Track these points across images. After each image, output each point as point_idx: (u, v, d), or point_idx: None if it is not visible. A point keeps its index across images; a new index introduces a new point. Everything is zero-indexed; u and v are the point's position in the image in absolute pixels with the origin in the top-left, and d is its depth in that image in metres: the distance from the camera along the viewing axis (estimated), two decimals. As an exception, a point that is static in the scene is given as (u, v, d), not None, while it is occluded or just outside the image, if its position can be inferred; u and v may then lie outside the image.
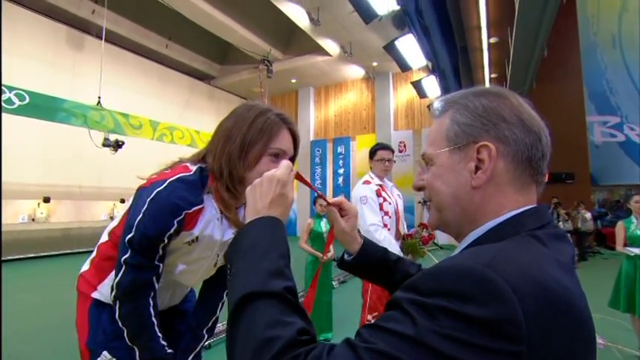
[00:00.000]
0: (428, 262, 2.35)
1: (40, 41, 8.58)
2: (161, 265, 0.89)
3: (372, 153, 2.41)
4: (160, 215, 0.83)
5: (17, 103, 5.47)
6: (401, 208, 2.44)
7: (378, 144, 2.47)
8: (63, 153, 8.56)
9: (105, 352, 0.92)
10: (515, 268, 0.39)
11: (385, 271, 0.80)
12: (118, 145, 6.91)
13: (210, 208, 0.91)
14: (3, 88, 5.36)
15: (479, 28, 8.18)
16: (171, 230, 0.85)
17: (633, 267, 2.98)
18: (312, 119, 13.79)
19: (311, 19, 8.86)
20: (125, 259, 0.84)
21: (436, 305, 0.38)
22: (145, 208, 0.84)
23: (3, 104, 5.30)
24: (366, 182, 2.37)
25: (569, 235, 7.60)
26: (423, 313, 0.38)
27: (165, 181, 0.86)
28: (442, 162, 0.54)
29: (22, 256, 7.54)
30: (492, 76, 10.54)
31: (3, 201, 7.54)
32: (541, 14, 5.58)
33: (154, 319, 0.89)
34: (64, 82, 8.74)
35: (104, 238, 1.00)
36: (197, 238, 0.91)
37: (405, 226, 2.50)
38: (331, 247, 3.58)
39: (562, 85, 10.03)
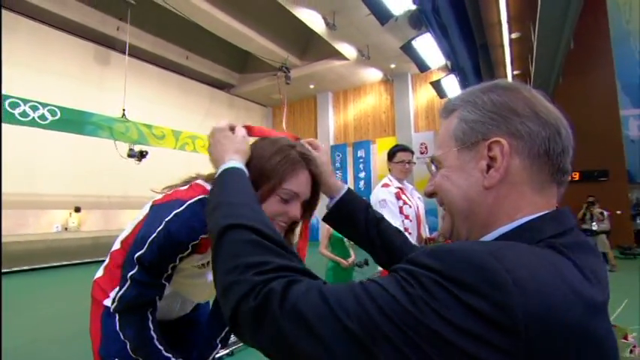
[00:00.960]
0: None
1: (70, 59, 9.05)
2: (167, 284, 0.88)
3: (391, 155, 2.35)
4: (176, 237, 0.82)
5: (50, 118, 5.74)
6: (422, 211, 2.36)
7: (397, 145, 2.42)
8: (91, 164, 8.94)
9: None
10: (522, 263, 0.36)
11: (367, 225, 0.80)
12: (142, 156, 7.13)
13: None
14: (37, 104, 5.65)
15: (499, 23, 7.95)
16: (185, 253, 0.85)
17: (679, 269, 2.76)
18: (331, 124, 13.80)
19: (327, 24, 8.89)
20: (132, 275, 0.84)
21: (432, 280, 0.37)
22: (160, 228, 0.82)
23: (38, 120, 5.58)
24: (385, 185, 2.31)
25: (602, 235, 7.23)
26: (417, 284, 0.37)
27: (185, 202, 0.84)
28: (451, 163, 0.51)
29: (56, 264, 7.89)
30: (515, 72, 10.21)
31: (39, 211, 7.94)
32: (566, 6, 5.35)
33: (152, 333, 0.88)
34: (91, 96, 9.15)
35: (116, 246, 1.01)
36: (209, 262, 0.91)
37: (427, 230, 2.42)
38: (352, 252, 3.54)
39: (591, 77, 9.57)
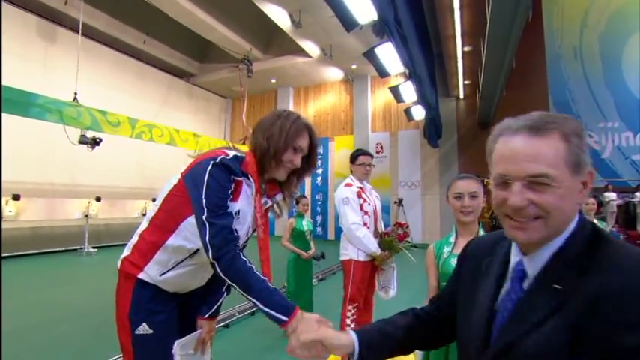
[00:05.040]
0: (402, 258, 2.55)
1: (9, 31, 8.21)
2: (232, 212, 1.10)
3: (354, 158, 2.59)
4: (220, 177, 1.08)
5: (-12, 97, 5.28)
6: (379, 208, 2.63)
7: (359, 150, 2.66)
8: (34, 149, 8.28)
9: (144, 324, 1.11)
10: None
11: (394, 346, 0.81)
12: (95, 143, 6.77)
13: (245, 186, 1.16)
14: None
15: (454, 37, 8.57)
16: (231, 188, 1.10)
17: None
18: (291, 119, 13.88)
19: (292, 21, 8.98)
20: (205, 217, 1.04)
21: None
22: (207, 176, 1.07)
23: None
24: (348, 185, 2.55)
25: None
26: None
27: (218, 156, 1.12)
28: (566, 184, 0.58)
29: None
30: (466, 82, 11.02)
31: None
32: (509, 28, 5.96)
33: (250, 264, 1.05)
34: (35, 75, 8.44)
35: (144, 225, 1.18)
36: (238, 212, 1.13)
37: (383, 225, 2.70)
38: (312, 245, 3.75)
39: (530, 93, 10.61)
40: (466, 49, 9.02)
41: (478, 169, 11.49)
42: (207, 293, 1.32)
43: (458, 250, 1.43)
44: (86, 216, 8.73)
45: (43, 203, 8.50)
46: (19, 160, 8.00)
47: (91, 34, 9.62)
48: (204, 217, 1.04)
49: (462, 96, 11.87)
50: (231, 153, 1.16)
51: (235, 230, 1.08)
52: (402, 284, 2.76)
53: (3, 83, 5.59)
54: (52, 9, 8.98)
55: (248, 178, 1.15)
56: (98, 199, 9.08)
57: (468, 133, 11.69)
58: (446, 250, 1.44)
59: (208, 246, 1.03)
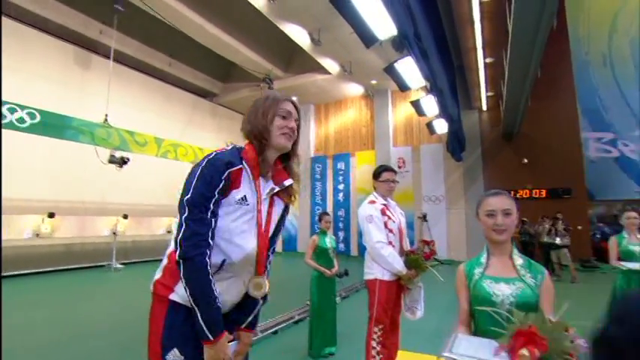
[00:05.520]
0: (429, 276, 2.45)
1: (50, 60, 8.84)
2: (214, 220, 1.09)
3: (377, 174, 2.54)
4: (209, 174, 1.09)
5: (28, 121, 5.61)
6: (404, 225, 2.56)
7: (382, 166, 2.61)
8: (68, 169, 8.70)
9: (175, 349, 1.08)
10: None
11: None
12: (123, 162, 7.05)
13: (245, 173, 1.17)
14: (15, 106, 5.52)
15: (475, 49, 8.46)
16: (220, 186, 1.09)
17: (627, 281, 3.08)
18: (312, 136, 14.01)
19: (312, 40, 9.15)
20: (184, 217, 1.06)
21: None
22: (198, 173, 1.09)
23: (15, 123, 5.45)
24: (372, 202, 2.49)
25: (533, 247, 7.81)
26: None
27: (213, 153, 1.16)
28: None
29: (26, 272, 7.58)
30: (488, 94, 10.80)
31: (10, 217, 7.63)
32: (533, 38, 5.82)
33: (211, 277, 1.06)
34: (72, 100, 8.95)
35: (171, 246, 1.18)
36: (245, 197, 1.15)
37: (408, 243, 2.62)
38: (335, 262, 3.69)
39: (557, 102, 10.28)
40: (488, 60, 8.88)
41: (503, 181, 11.10)
42: (243, 305, 1.27)
43: (490, 271, 1.34)
44: (114, 233, 9.02)
45: (74, 221, 8.86)
46: (53, 179, 8.43)
47: (122, 59, 10.17)
48: (184, 217, 1.06)
49: (484, 108, 11.64)
50: (230, 146, 1.21)
51: (211, 237, 1.07)
52: (429, 304, 2.64)
53: (44, 108, 5.95)
54: (88, 38, 9.58)
55: (248, 165, 1.17)
56: (125, 217, 9.38)
57: (492, 146, 11.40)
58: (477, 271, 1.36)
59: (178, 245, 1.05)
